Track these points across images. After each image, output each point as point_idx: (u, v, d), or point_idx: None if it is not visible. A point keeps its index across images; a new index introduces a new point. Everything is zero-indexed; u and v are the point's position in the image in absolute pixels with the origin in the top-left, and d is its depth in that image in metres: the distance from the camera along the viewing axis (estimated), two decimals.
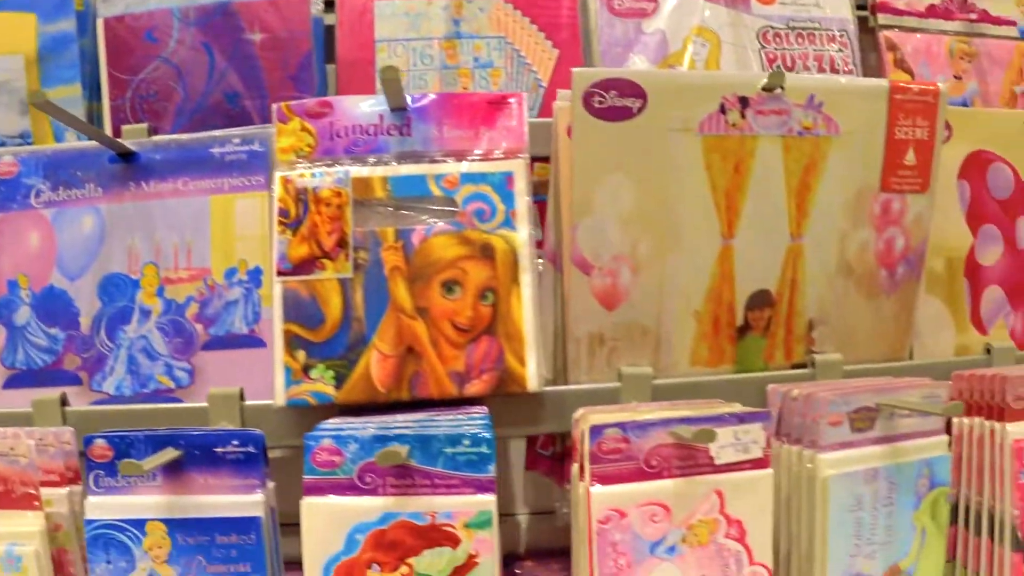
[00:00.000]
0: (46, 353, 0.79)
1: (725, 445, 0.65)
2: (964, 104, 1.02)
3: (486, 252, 0.72)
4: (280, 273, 0.71)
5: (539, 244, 0.78)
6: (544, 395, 0.73)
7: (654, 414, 0.66)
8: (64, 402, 0.75)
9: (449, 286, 0.72)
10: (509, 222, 0.72)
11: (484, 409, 0.69)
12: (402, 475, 0.64)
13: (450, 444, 0.63)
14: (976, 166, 0.87)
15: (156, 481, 0.66)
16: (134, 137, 0.80)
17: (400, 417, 0.69)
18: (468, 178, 0.72)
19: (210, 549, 0.66)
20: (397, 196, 0.72)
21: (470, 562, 0.63)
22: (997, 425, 0.76)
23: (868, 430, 0.71)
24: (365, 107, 0.74)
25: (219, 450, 0.66)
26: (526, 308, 0.71)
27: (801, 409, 0.71)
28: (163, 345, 0.78)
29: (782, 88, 0.73)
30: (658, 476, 0.64)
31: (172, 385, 0.79)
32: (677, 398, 0.74)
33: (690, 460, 0.65)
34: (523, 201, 0.72)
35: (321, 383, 0.71)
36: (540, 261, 0.77)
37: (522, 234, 0.72)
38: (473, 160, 0.73)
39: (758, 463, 0.66)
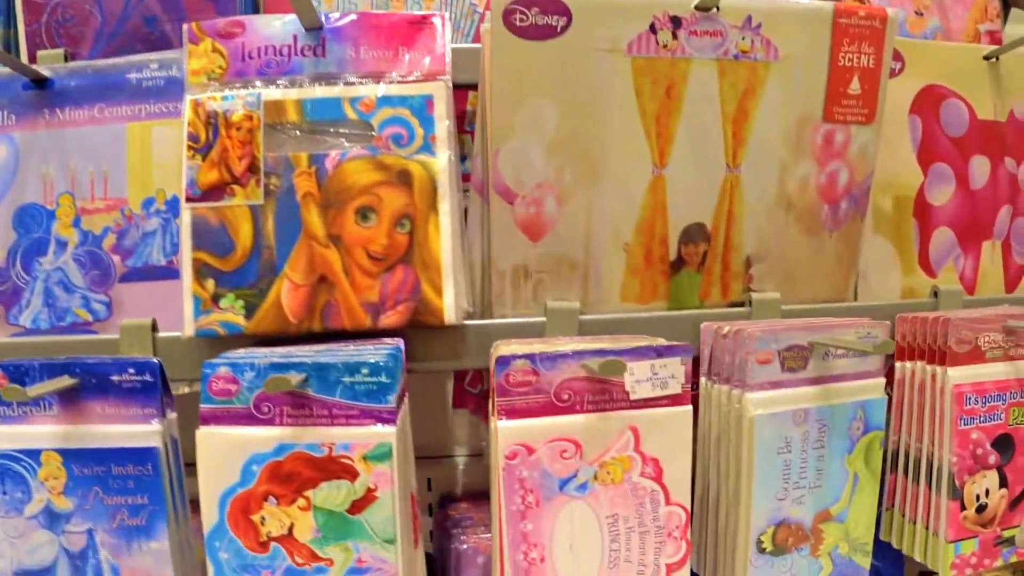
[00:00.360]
0: None
1: (641, 380, 0.58)
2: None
3: (403, 178, 0.65)
4: (189, 199, 0.64)
5: (466, 177, 0.71)
6: (465, 329, 0.67)
7: (567, 346, 0.60)
8: None
9: (364, 213, 0.65)
10: (428, 147, 0.65)
11: (399, 341, 0.63)
12: (299, 405, 0.57)
13: (348, 373, 0.57)
14: (929, 101, 0.79)
15: (52, 411, 0.60)
16: (49, 63, 0.73)
17: (308, 348, 0.62)
18: (385, 101, 0.65)
19: (107, 480, 0.60)
20: (311, 120, 0.65)
21: (368, 496, 0.56)
22: (939, 369, 0.69)
23: (800, 370, 0.64)
24: (278, 27, 0.67)
25: (115, 378, 0.60)
26: (444, 237, 0.65)
27: (731, 347, 0.64)
28: (80, 277, 0.72)
29: (717, 8, 0.65)
30: (570, 411, 0.58)
31: (89, 318, 0.73)
32: (606, 334, 0.67)
33: (604, 395, 0.58)
34: (443, 126, 0.65)
35: (231, 313, 0.65)
36: (467, 191, 0.70)
37: (441, 160, 0.65)
38: (391, 83, 0.66)
39: (676, 399, 0.59)
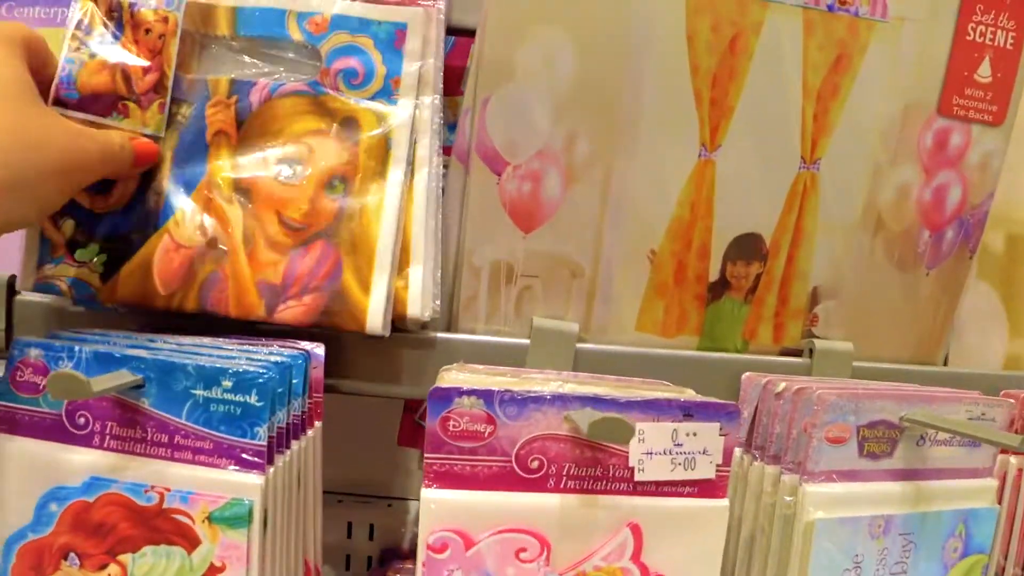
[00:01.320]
0: None
1: (655, 452, 0.32)
2: None
3: (347, 128, 0.40)
4: (58, 102, 0.39)
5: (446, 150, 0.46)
6: (410, 342, 0.41)
7: (547, 385, 0.34)
8: None
9: (288, 164, 0.40)
10: (387, 92, 0.41)
11: (316, 347, 0.38)
12: (130, 422, 0.33)
13: (202, 383, 0.32)
14: None
15: None
16: None
17: (180, 340, 0.37)
18: (342, 23, 0.41)
19: None
20: (243, 35, 0.41)
21: None
22: None
23: (884, 456, 0.38)
24: None
25: None
26: (387, 215, 0.40)
27: (787, 412, 0.38)
28: None
29: None
30: (538, 487, 0.32)
31: None
32: (612, 371, 0.42)
33: (595, 469, 0.33)
34: (413, 68, 0.40)
35: (86, 269, 0.40)
36: (447, 167, 0.45)
37: (402, 112, 0.40)
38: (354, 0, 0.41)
39: (708, 488, 0.33)
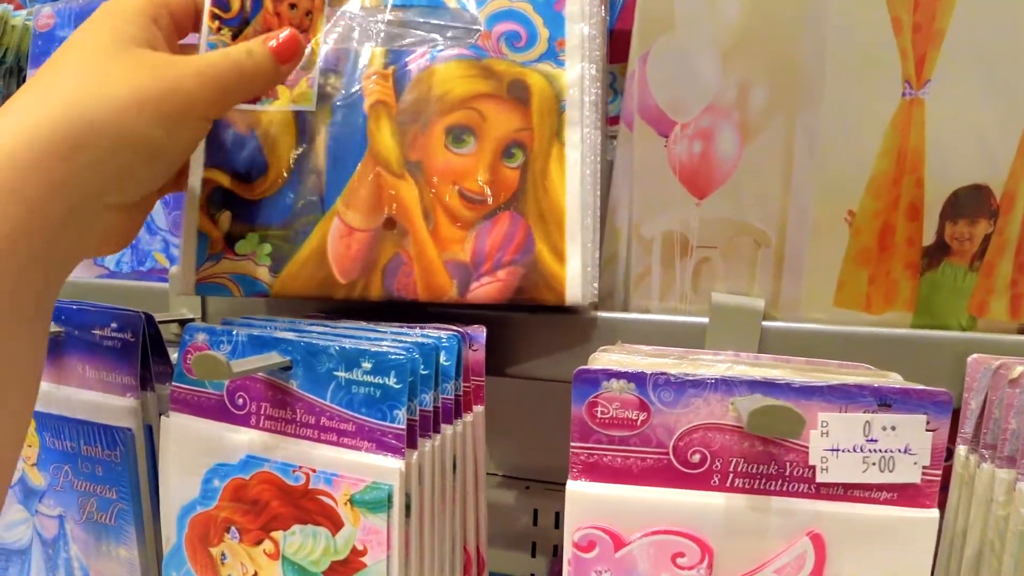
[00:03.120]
0: None
1: (842, 448, 0.26)
2: None
3: (516, 92, 0.36)
4: None
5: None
6: (576, 323, 0.37)
7: (716, 367, 0.29)
8: None
9: (458, 135, 0.37)
10: (553, 54, 0.36)
11: (476, 330, 0.35)
12: (281, 403, 0.31)
13: (344, 365, 0.30)
14: None
15: None
16: None
17: (340, 323, 0.36)
18: None
19: (76, 459, 0.38)
20: (396, 4, 0.38)
21: (353, 560, 0.29)
22: None
23: None
24: None
25: (98, 333, 0.37)
26: (571, 178, 0.35)
27: (1022, 404, 0.30)
28: (163, 218, 0.51)
29: None
30: (700, 483, 0.27)
31: (167, 264, 0.51)
32: (805, 353, 0.35)
33: (769, 465, 0.27)
34: (577, 30, 0.36)
35: (251, 262, 0.38)
36: (613, 138, 0.40)
37: (571, 72, 0.36)
38: None
39: (911, 495, 0.26)
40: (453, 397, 0.33)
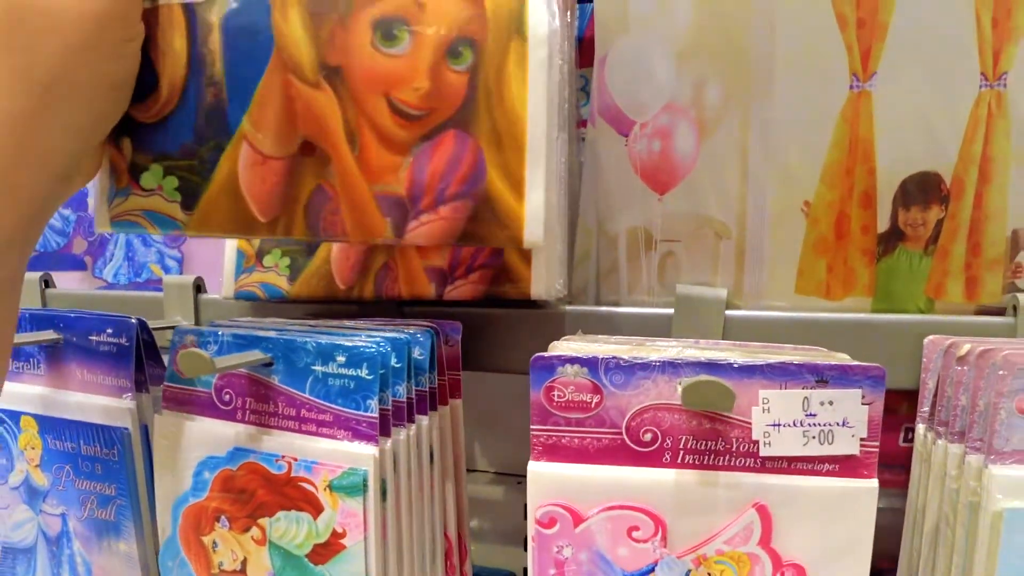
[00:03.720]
0: (59, 235, 0.57)
1: (783, 423, 0.28)
2: None
3: None
4: None
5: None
6: (548, 317, 0.39)
7: (667, 352, 0.31)
8: (47, 283, 0.52)
9: (388, 29, 0.30)
10: None
11: (451, 326, 0.37)
12: (264, 397, 0.34)
13: (320, 359, 0.32)
14: None
15: (39, 370, 0.42)
16: None
17: (322, 323, 0.38)
18: None
19: (76, 459, 0.41)
20: None
21: (333, 542, 0.32)
22: None
23: None
24: None
25: (94, 339, 0.40)
26: (535, 84, 0.30)
27: (971, 381, 0.31)
28: None
29: None
30: (652, 461, 0.29)
31: (162, 275, 0.54)
32: (768, 340, 0.37)
33: (717, 441, 0.29)
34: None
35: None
36: (582, 135, 0.42)
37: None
38: None
39: (851, 466, 0.28)
40: (428, 389, 0.35)
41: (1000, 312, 0.38)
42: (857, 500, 0.28)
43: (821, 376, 0.28)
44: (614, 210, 0.39)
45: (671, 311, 0.39)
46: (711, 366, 0.28)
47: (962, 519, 0.32)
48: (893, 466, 0.40)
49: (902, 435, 0.42)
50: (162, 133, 0.32)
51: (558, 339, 0.38)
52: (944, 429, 0.34)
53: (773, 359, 0.28)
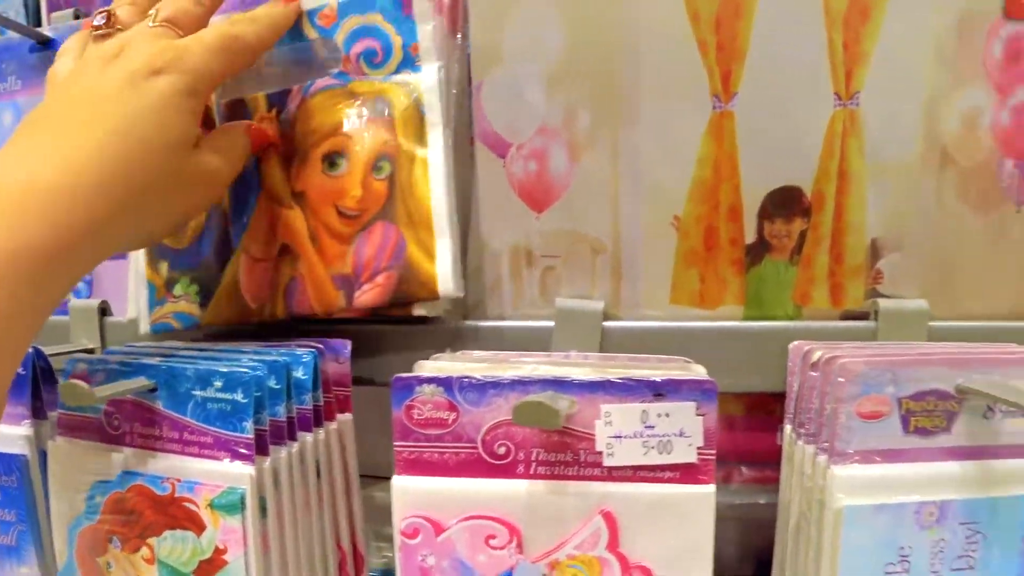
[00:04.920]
0: None
1: (624, 435, 0.31)
2: None
3: (379, 108, 0.42)
4: None
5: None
6: (436, 332, 0.42)
7: (524, 368, 0.34)
8: None
9: (332, 160, 0.43)
10: (409, 62, 0.42)
11: (341, 344, 0.40)
12: (150, 422, 0.37)
13: (199, 384, 0.35)
14: None
15: None
16: (61, 22, 0.57)
17: (215, 346, 0.41)
18: (348, 8, 0.42)
19: None
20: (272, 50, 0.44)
21: (216, 559, 0.35)
22: None
23: (939, 433, 0.34)
24: None
25: None
26: (435, 179, 0.41)
27: (820, 386, 0.35)
28: None
29: None
30: (506, 472, 0.32)
31: (71, 297, 0.56)
32: (644, 350, 0.40)
33: (565, 453, 0.32)
34: (427, 29, 0.41)
35: (185, 301, 0.46)
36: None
37: (428, 77, 0.41)
38: None
39: (689, 472, 0.31)
40: (311, 407, 0.38)
41: (864, 316, 0.41)
42: (696, 504, 0.31)
43: (658, 391, 0.31)
44: (496, 228, 0.42)
45: (552, 324, 0.42)
46: (557, 383, 0.32)
47: (815, 515, 0.36)
48: (774, 464, 0.43)
49: (779, 435, 0.45)
50: (189, 255, 0.46)
51: (447, 351, 0.41)
52: (803, 430, 0.38)
53: (615, 376, 0.32)
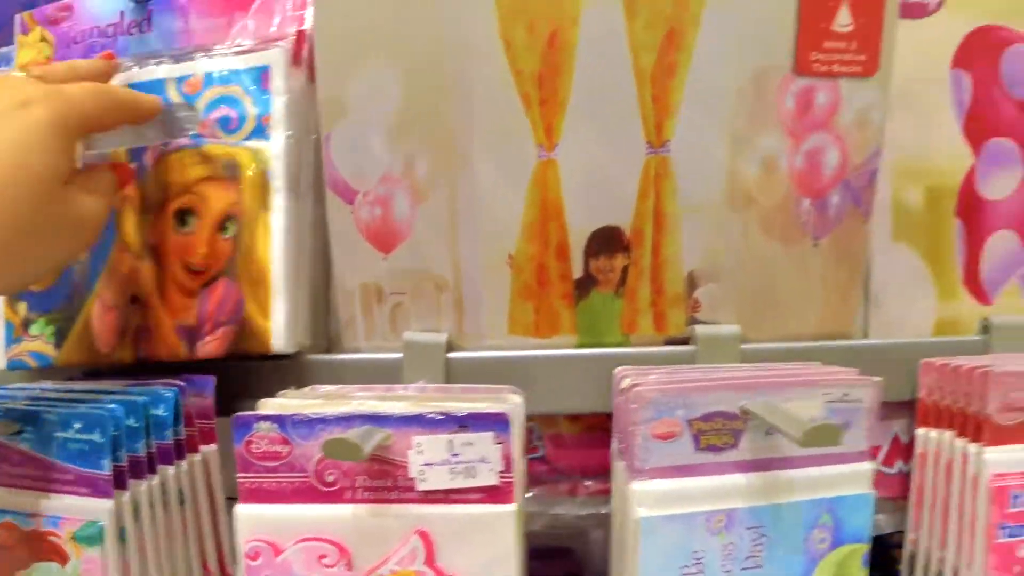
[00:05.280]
0: None
1: (434, 463, 0.36)
2: None
3: (229, 171, 0.46)
4: None
5: None
6: (295, 366, 0.46)
7: (352, 404, 0.38)
8: None
9: (183, 216, 0.47)
10: (260, 130, 0.46)
11: (205, 380, 0.44)
12: (19, 462, 0.41)
13: (60, 426, 0.39)
14: (983, 49, 0.47)
15: None
16: None
17: (78, 385, 0.45)
18: (214, 79, 0.46)
19: None
20: None
21: None
22: (972, 448, 0.41)
23: (728, 448, 0.39)
24: (105, 3, 0.51)
25: None
26: (275, 242, 0.46)
27: (624, 409, 0.39)
28: None
29: None
30: (335, 498, 0.36)
31: None
32: (483, 379, 0.45)
33: (386, 479, 0.36)
34: (280, 102, 0.46)
35: (40, 341, 0.50)
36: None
37: (276, 145, 0.46)
38: (222, 56, 0.47)
39: (494, 494, 0.36)
40: (172, 442, 0.42)
41: (685, 341, 0.46)
42: (499, 521, 0.36)
43: (462, 423, 0.36)
44: (347, 268, 0.46)
45: (400, 356, 0.46)
46: (375, 418, 0.36)
47: (622, 525, 0.40)
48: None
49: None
50: (47, 297, 0.50)
51: (306, 384, 0.45)
52: (618, 452, 0.43)
53: (427, 410, 0.36)
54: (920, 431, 0.45)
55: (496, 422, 0.36)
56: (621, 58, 0.42)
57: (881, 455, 0.49)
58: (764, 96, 0.43)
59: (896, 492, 0.49)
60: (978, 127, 0.48)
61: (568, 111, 0.43)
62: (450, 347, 0.46)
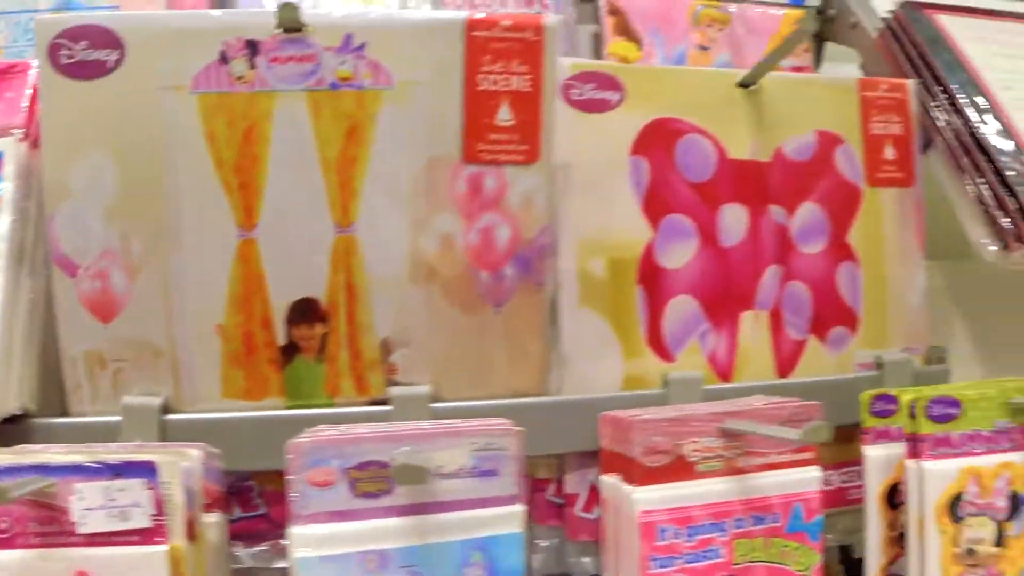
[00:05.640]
0: None
1: (93, 507, 0.40)
2: None
3: None
4: None
5: None
6: (19, 430, 0.50)
7: (44, 457, 0.42)
8: None
9: None
10: None
11: None
12: None
13: None
14: (659, 138, 0.56)
15: None
16: None
17: None
18: None
19: None
20: None
21: None
22: (626, 488, 0.46)
23: (384, 494, 0.44)
24: None
25: None
26: None
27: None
28: None
29: (301, 29, 0.47)
30: (7, 545, 0.40)
31: None
32: (206, 437, 0.49)
33: (53, 524, 0.40)
34: (9, 188, 0.50)
35: None
36: None
37: (1, 227, 0.50)
38: None
39: (148, 535, 0.40)
40: None
41: (386, 402, 0.52)
42: (151, 560, 0.40)
43: (117, 471, 0.40)
44: (71, 337, 0.51)
45: (119, 419, 0.51)
46: (41, 468, 0.40)
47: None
48: None
49: None
50: None
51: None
52: None
53: (86, 460, 0.40)
54: (603, 478, 0.51)
55: (146, 470, 0.40)
56: (309, 150, 0.49)
57: (580, 502, 0.55)
58: (438, 182, 0.50)
59: (598, 536, 0.54)
60: (655, 206, 0.56)
61: (265, 196, 0.50)
62: (167, 410, 0.51)
